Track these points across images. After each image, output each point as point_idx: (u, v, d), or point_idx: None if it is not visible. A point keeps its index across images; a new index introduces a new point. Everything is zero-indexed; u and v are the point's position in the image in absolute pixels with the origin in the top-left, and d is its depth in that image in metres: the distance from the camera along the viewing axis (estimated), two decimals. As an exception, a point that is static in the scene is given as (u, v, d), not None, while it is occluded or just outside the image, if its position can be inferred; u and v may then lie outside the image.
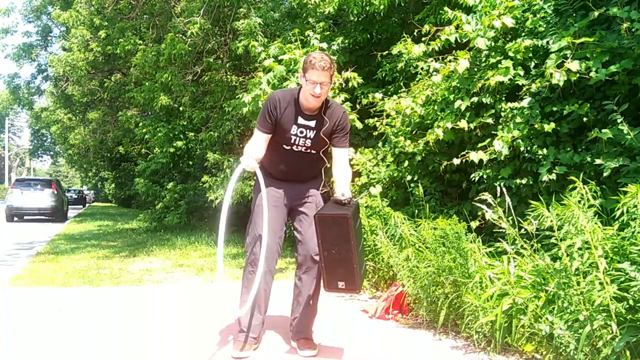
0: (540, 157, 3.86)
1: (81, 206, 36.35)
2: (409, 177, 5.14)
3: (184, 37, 9.39)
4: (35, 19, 20.33)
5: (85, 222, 17.28)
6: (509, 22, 4.17)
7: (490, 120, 4.20)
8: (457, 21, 4.63)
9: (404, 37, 5.61)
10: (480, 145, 4.19)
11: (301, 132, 2.84)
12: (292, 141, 2.86)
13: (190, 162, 13.85)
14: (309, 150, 2.90)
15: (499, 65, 4.12)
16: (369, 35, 7.31)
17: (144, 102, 11.28)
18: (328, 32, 7.14)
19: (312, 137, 2.86)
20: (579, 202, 2.69)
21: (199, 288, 5.22)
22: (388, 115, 5.49)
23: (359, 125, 5.92)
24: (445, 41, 4.77)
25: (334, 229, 2.64)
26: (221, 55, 9.93)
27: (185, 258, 7.46)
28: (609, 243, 2.63)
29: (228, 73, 10.29)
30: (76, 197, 37.92)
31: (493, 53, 4.32)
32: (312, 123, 2.84)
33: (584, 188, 2.77)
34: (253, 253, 2.91)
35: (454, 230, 3.52)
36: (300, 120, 2.84)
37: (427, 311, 3.66)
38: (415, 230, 4.24)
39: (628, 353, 2.38)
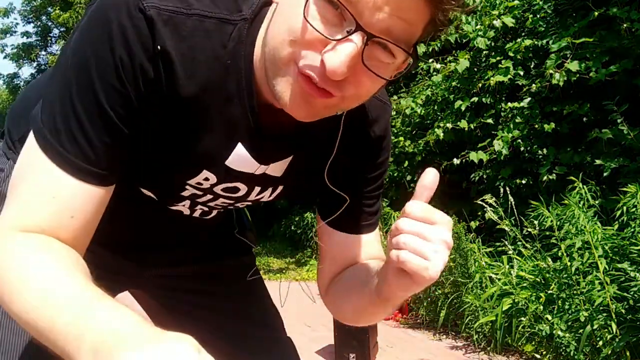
0: (540, 157, 3.86)
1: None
2: (409, 177, 5.15)
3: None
4: (34, 19, 20.33)
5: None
6: (509, 22, 4.17)
7: (490, 121, 4.20)
8: (457, 21, 4.63)
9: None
10: (480, 145, 4.19)
11: (224, 190, 0.77)
12: (181, 201, 0.81)
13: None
14: (214, 215, 0.89)
15: (499, 65, 4.12)
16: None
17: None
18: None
19: (253, 196, 0.81)
20: (579, 202, 2.69)
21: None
22: (388, 115, 5.49)
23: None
24: (445, 41, 4.77)
25: None
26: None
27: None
28: (609, 243, 2.63)
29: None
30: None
31: (493, 53, 4.32)
32: (277, 166, 0.76)
33: (583, 188, 2.77)
34: None
35: (453, 230, 3.52)
36: (238, 154, 0.71)
37: (427, 311, 3.66)
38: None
39: (628, 353, 2.39)
